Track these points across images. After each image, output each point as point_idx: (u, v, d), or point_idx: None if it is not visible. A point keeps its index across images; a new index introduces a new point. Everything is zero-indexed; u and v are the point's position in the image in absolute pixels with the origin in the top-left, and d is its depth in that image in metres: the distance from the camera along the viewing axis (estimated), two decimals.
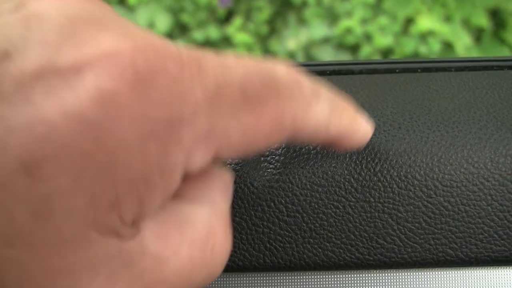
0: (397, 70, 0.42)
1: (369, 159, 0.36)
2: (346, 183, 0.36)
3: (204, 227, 0.25)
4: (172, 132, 0.21)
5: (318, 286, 0.38)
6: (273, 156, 0.36)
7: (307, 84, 0.28)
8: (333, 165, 0.36)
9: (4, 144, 0.18)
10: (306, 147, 0.36)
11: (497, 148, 0.36)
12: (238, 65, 0.24)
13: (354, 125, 0.32)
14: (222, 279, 0.38)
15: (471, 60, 0.43)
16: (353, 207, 0.36)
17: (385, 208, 0.36)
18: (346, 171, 0.36)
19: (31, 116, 0.18)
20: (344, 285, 0.37)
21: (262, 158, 0.36)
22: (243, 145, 0.24)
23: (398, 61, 0.43)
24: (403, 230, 0.36)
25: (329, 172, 0.36)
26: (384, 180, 0.36)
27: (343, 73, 0.42)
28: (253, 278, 0.38)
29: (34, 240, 0.19)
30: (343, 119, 0.31)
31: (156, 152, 0.21)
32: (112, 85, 0.19)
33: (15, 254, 0.19)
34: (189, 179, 0.26)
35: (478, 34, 1.62)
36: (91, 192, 0.19)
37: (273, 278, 0.38)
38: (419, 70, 0.42)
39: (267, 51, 1.69)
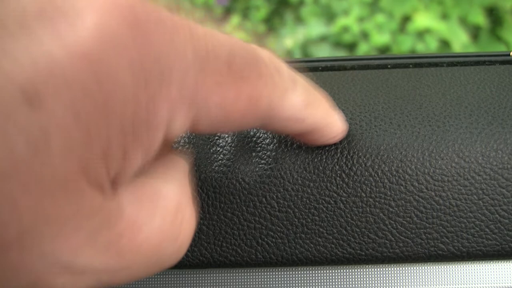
0: (389, 66, 0.42)
1: (360, 154, 0.36)
2: (338, 178, 0.36)
3: (174, 202, 0.26)
4: (163, 85, 0.22)
5: (310, 281, 0.38)
6: (265, 152, 0.36)
7: (287, 72, 0.28)
8: (324, 160, 0.36)
9: (8, 74, 0.18)
10: (297, 143, 0.36)
11: (488, 142, 0.36)
12: (226, 39, 0.25)
13: (328, 118, 0.32)
14: (214, 274, 0.38)
15: (462, 56, 0.43)
16: (345, 202, 0.36)
17: (377, 203, 0.36)
18: (337, 166, 0.36)
19: (35, 50, 0.18)
20: (336, 280, 0.37)
21: (254, 154, 0.37)
22: (219, 119, 0.25)
23: (390, 56, 0.43)
24: (394, 225, 0.36)
25: (321, 167, 0.36)
26: (376, 175, 0.36)
27: (335, 69, 0.42)
28: (245, 274, 0.38)
29: (30, 176, 0.19)
30: (318, 111, 0.31)
31: (146, 102, 0.21)
32: (113, 24, 0.20)
33: (8, 189, 0.19)
34: (157, 158, 0.26)
35: (475, 32, 1.62)
36: (87, 131, 0.19)
37: (265, 273, 0.38)
38: (411, 66, 0.42)
39: None
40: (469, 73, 0.40)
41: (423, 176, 0.36)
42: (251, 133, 0.37)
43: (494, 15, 1.63)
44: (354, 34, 1.61)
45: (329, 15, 1.65)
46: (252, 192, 0.36)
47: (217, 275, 0.38)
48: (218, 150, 0.37)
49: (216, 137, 0.37)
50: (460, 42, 1.58)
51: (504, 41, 1.58)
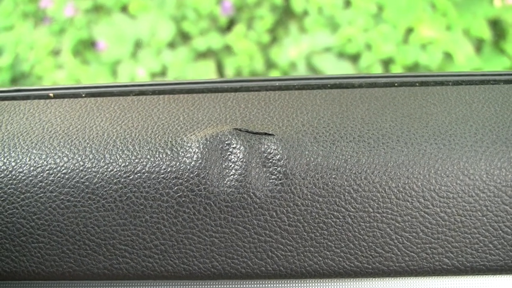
0: (396, 84, 0.43)
1: (368, 171, 0.37)
2: (346, 193, 0.37)
3: None
4: None
5: None
6: (275, 167, 0.38)
7: None
8: (333, 176, 0.37)
9: None
10: (307, 158, 0.37)
11: (492, 160, 0.37)
12: None
13: None
14: (224, 286, 0.39)
15: (468, 74, 0.44)
16: (353, 217, 0.37)
17: (384, 218, 0.37)
18: (346, 182, 0.37)
19: None
20: None
21: (265, 169, 0.38)
22: None
23: (397, 75, 0.44)
24: (401, 240, 0.37)
25: (330, 183, 0.37)
26: (383, 191, 0.37)
27: (343, 87, 0.44)
28: (255, 285, 0.39)
29: None
30: None
31: None
32: None
33: None
34: None
35: (478, 45, 1.63)
36: None
37: (275, 285, 0.39)
38: (417, 84, 0.43)
39: (268, 60, 1.69)
40: (474, 92, 0.41)
41: (429, 193, 0.37)
42: (262, 148, 0.38)
43: (497, 28, 1.63)
44: (358, 44, 1.62)
45: (333, 26, 1.66)
46: (263, 207, 0.37)
47: (228, 286, 0.39)
48: (230, 166, 0.38)
49: (228, 153, 0.38)
50: (464, 54, 1.59)
51: (507, 54, 1.59)
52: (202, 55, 1.63)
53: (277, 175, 0.38)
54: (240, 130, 0.39)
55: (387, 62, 1.67)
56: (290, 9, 1.72)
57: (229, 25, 1.75)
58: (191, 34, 1.70)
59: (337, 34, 1.67)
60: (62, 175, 0.39)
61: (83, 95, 0.45)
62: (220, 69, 1.62)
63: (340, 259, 0.37)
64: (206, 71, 1.57)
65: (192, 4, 1.69)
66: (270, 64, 1.64)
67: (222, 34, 1.73)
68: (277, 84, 0.44)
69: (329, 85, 0.44)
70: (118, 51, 1.59)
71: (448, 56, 1.64)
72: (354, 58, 1.66)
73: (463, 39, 1.62)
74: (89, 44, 1.61)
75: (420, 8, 1.68)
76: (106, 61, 1.59)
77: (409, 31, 1.68)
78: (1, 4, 1.60)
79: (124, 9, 1.71)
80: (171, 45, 1.65)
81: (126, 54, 1.59)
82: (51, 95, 0.46)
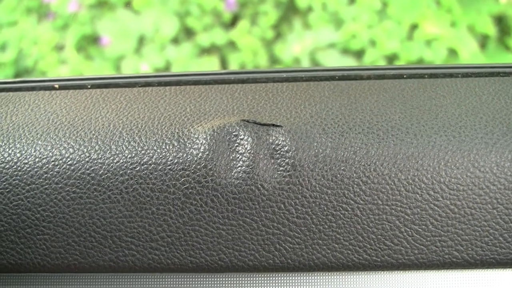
0: (404, 76, 0.43)
1: (377, 162, 0.37)
2: (355, 185, 0.37)
3: None
4: None
5: (327, 286, 0.38)
6: (283, 159, 0.37)
7: None
8: (342, 168, 0.37)
9: None
10: (316, 150, 0.37)
11: (503, 153, 0.37)
12: None
13: None
14: (232, 278, 0.39)
15: (477, 67, 0.43)
16: (361, 210, 0.37)
17: (393, 211, 0.36)
18: (355, 174, 0.37)
19: None
20: (351, 285, 0.38)
21: (273, 161, 0.37)
22: None
23: (406, 67, 0.44)
24: (410, 232, 0.37)
25: (338, 175, 0.37)
26: (392, 183, 0.37)
27: (352, 78, 0.43)
28: (263, 278, 0.39)
29: None
30: None
31: None
32: None
33: None
34: None
35: (483, 41, 1.62)
36: None
37: (282, 278, 0.39)
38: (426, 76, 0.43)
39: (272, 56, 1.69)
40: (484, 84, 0.41)
41: (439, 185, 0.36)
42: (270, 140, 0.38)
43: (502, 24, 1.63)
44: (362, 41, 1.61)
45: (338, 22, 1.65)
46: (271, 199, 0.37)
47: (235, 279, 0.39)
48: (238, 157, 0.38)
49: (236, 144, 0.38)
50: (469, 50, 1.58)
51: None
52: (206, 50, 1.63)
53: (285, 166, 0.37)
54: (247, 121, 0.38)
55: (391, 58, 1.67)
56: (294, 5, 1.71)
57: (233, 21, 1.75)
58: (195, 29, 1.70)
59: (341, 30, 1.66)
60: (68, 166, 0.39)
61: (89, 86, 0.45)
62: (224, 65, 1.62)
63: (349, 252, 0.37)
64: (210, 67, 1.57)
65: (196, 0, 1.69)
66: (274, 60, 1.64)
67: (226, 30, 1.72)
68: (284, 75, 0.43)
69: (337, 77, 0.43)
70: (122, 46, 1.58)
71: (452, 52, 1.63)
72: (358, 54, 1.66)
73: (468, 36, 1.61)
74: (93, 40, 1.60)
75: (424, 5, 1.67)
76: (110, 56, 1.59)
77: (414, 27, 1.67)
78: (5, 0, 1.60)
79: (128, 4, 1.71)
80: (175, 40, 1.64)
81: (130, 49, 1.59)
82: (57, 86, 0.45)
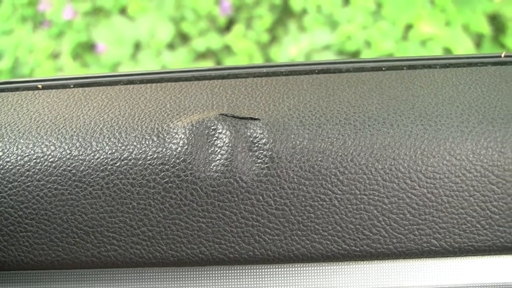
0: (383, 68, 0.43)
1: (354, 153, 0.37)
2: (332, 176, 0.37)
3: None
4: None
5: (307, 277, 0.39)
6: (261, 151, 0.37)
7: None
8: (319, 159, 0.37)
9: None
10: (293, 142, 0.37)
11: (478, 140, 0.37)
12: None
13: None
14: (213, 271, 0.39)
15: (456, 58, 0.44)
16: (339, 200, 0.37)
17: (370, 200, 0.37)
18: (332, 165, 0.37)
19: None
20: (331, 276, 0.38)
21: (251, 153, 0.38)
22: None
23: (385, 59, 0.44)
24: (388, 221, 0.37)
25: (316, 166, 0.37)
26: (369, 173, 0.37)
27: (331, 72, 0.44)
28: (243, 271, 0.39)
29: None
30: None
31: None
32: None
33: None
34: None
35: (478, 40, 1.63)
36: None
37: (263, 270, 0.39)
38: (405, 68, 0.43)
39: (268, 59, 1.70)
40: (461, 74, 0.41)
41: (416, 174, 0.37)
42: (248, 133, 0.38)
43: (497, 22, 1.63)
44: (358, 42, 1.62)
45: (333, 24, 1.66)
46: (249, 191, 0.37)
47: (216, 272, 0.39)
48: (216, 151, 0.38)
49: (214, 138, 0.38)
50: (464, 49, 1.59)
51: (507, 49, 1.58)
52: (202, 55, 1.63)
53: (263, 159, 0.38)
54: (226, 115, 0.39)
55: None
56: (289, 8, 1.72)
57: (228, 25, 1.75)
58: (190, 34, 1.70)
59: (336, 32, 1.67)
60: (49, 164, 0.39)
61: (72, 86, 0.45)
62: None
63: (328, 242, 0.37)
64: None
65: (191, 5, 1.69)
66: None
67: (221, 34, 1.73)
68: (264, 70, 0.44)
69: (316, 71, 0.44)
70: (118, 53, 1.59)
71: (448, 51, 1.63)
72: (354, 55, 1.66)
73: (463, 35, 1.62)
74: (89, 47, 1.61)
75: (419, 5, 1.68)
76: (106, 63, 1.59)
77: (409, 27, 1.68)
78: (0, 8, 1.61)
79: (123, 11, 1.71)
80: (171, 46, 1.65)
81: (125, 55, 1.59)
82: (40, 86, 0.46)
